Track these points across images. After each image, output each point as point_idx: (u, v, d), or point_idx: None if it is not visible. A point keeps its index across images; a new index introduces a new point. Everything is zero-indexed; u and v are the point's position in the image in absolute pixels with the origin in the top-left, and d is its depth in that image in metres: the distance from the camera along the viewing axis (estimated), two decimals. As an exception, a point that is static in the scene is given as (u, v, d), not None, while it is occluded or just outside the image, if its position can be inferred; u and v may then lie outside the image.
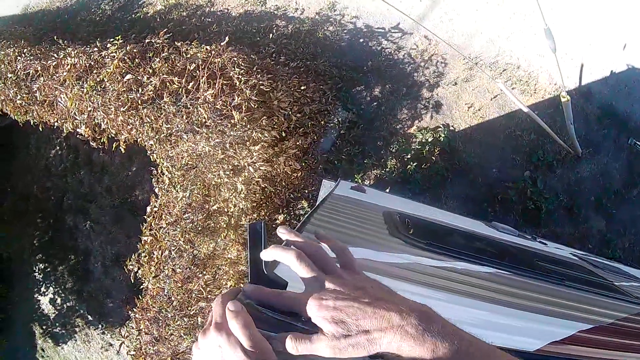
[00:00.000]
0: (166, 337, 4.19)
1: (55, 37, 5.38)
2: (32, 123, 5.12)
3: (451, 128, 4.92)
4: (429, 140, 4.86)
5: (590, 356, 1.32)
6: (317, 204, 2.51)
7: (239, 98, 3.91)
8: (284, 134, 4.57)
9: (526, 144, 4.64)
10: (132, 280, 4.50)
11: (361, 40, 5.55)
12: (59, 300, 7.25)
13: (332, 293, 0.67)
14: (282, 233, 0.80)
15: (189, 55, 4.18)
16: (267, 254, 0.76)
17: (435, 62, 5.15)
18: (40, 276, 7.45)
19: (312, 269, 0.72)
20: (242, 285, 0.77)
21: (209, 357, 0.68)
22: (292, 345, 0.63)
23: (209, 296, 4.19)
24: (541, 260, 2.41)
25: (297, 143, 4.91)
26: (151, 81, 4.03)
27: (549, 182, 4.54)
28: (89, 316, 6.92)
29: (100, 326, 6.82)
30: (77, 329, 7.05)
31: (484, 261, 1.80)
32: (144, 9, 7.18)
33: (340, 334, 0.62)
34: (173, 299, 4.18)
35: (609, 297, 2.01)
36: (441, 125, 4.93)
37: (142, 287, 4.45)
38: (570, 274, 2.23)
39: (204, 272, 4.22)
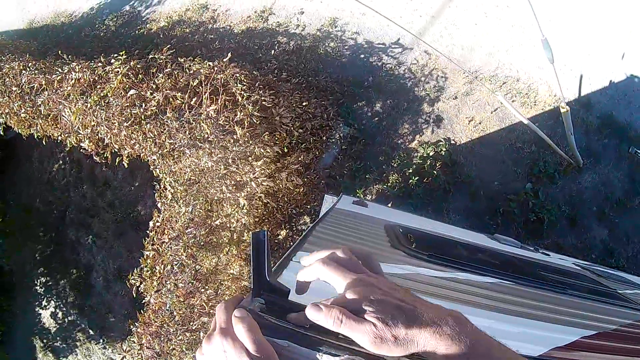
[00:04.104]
0: (168, 352, 4.17)
1: (59, 51, 5.44)
2: (35, 136, 5.13)
3: (452, 142, 4.94)
4: (431, 154, 4.88)
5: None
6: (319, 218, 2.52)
7: (242, 114, 3.92)
8: (286, 150, 4.58)
9: (527, 156, 4.65)
10: (134, 295, 4.49)
11: (362, 56, 5.60)
12: (60, 314, 7.23)
13: (373, 288, 0.68)
14: (305, 259, 0.81)
15: (192, 71, 4.20)
16: (302, 277, 0.78)
17: (435, 76, 5.19)
18: (42, 290, 7.45)
19: (343, 271, 0.72)
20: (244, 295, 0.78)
21: None
22: (337, 316, 0.64)
23: (211, 311, 4.17)
24: (544, 270, 2.41)
25: (299, 158, 4.93)
26: (154, 96, 4.05)
27: (551, 194, 4.54)
28: (90, 330, 6.90)
29: (101, 341, 6.80)
30: (78, 344, 7.03)
31: (486, 272, 1.80)
32: (147, 25, 7.27)
33: (386, 326, 0.63)
34: (175, 313, 4.17)
35: (612, 305, 2.00)
36: (442, 140, 4.95)
37: (144, 301, 4.44)
38: (574, 283, 2.23)
39: (206, 287, 4.21)
